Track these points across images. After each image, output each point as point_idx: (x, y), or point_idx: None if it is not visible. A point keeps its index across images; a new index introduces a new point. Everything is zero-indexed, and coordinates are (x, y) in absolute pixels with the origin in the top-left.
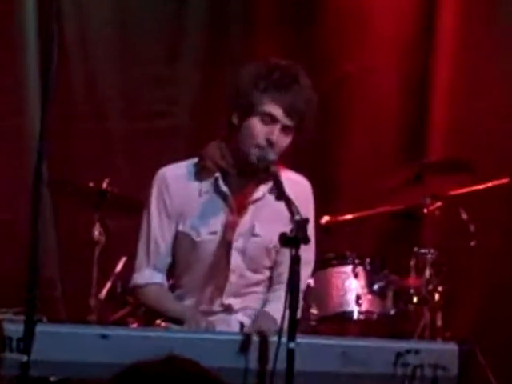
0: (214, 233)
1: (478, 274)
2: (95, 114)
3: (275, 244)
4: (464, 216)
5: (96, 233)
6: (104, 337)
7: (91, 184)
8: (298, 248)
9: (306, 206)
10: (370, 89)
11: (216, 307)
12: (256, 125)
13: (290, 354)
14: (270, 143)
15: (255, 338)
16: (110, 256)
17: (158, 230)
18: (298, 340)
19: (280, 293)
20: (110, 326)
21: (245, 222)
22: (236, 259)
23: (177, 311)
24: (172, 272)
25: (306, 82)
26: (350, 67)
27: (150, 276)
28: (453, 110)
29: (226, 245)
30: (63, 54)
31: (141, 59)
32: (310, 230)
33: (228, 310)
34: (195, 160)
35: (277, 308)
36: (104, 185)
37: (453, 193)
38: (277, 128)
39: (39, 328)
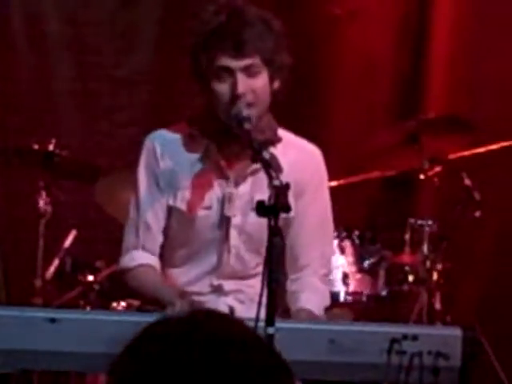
0: (209, 207)
1: (483, 250)
2: (37, 66)
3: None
4: (467, 182)
5: (41, 203)
6: (52, 321)
7: (35, 146)
8: (277, 217)
9: (317, 178)
10: (359, 35)
11: (204, 288)
12: (215, 86)
13: (269, 340)
14: (238, 97)
15: None
16: (57, 229)
17: (148, 205)
18: (278, 325)
19: (307, 279)
20: (60, 308)
21: (243, 193)
22: (234, 238)
23: (161, 294)
24: (163, 248)
25: (253, 11)
26: (337, 10)
27: (140, 257)
28: (454, 59)
29: (223, 221)
30: None
31: (90, 6)
32: (328, 208)
33: (218, 291)
34: (184, 125)
35: (308, 298)
36: (50, 146)
37: (454, 156)
38: (237, 78)
39: None
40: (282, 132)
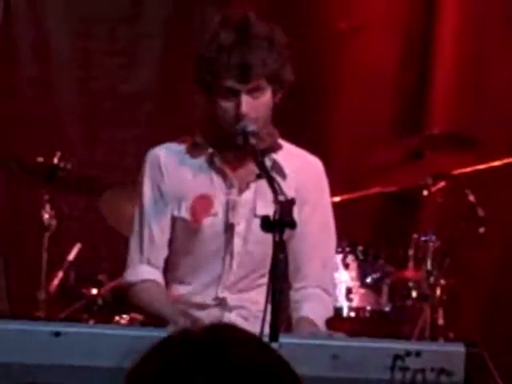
0: (215, 214)
1: (487, 266)
2: (41, 80)
3: None
4: (471, 198)
5: (46, 216)
6: (57, 334)
7: (40, 159)
8: (282, 233)
9: (318, 190)
10: (363, 51)
11: (209, 300)
12: (221, 104)
13: None
14: (242, 116)
15: None
16: (61, 243)
17: (152, 218)
18: (282, 340)
19: (310, 290)
20: (64, 321)
21: (246, 200)
22: (238, 246)
23: (164, 311)
24: (168, 258)
25: (258, 28)
26: (342, 24)
27: (144, 272)
28: (458, 75)
29: (228, 228)
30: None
31: (93, 21)
32: (329, 217)
33: (222, 305)
34: (186, 137)
35: (311, 307)
36: (55, 159)
37: (458, 172)
38: (242, 99)
39: None
40: (284, 143)
